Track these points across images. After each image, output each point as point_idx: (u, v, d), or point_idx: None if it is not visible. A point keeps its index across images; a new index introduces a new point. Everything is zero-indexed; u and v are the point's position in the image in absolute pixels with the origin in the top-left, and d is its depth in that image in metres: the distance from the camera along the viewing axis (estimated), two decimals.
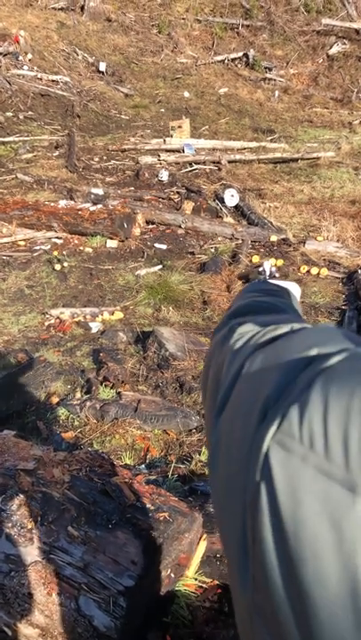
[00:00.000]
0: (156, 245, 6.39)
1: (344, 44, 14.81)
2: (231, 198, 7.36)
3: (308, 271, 5.74)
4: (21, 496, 1.76)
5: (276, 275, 1.28)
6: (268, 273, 1.28)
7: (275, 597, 0.42)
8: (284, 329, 0.57)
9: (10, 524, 1.69)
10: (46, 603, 1.60)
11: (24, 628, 1.62)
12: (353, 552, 0.37)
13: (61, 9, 14.84)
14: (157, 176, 8.39)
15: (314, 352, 0.47)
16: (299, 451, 0.41)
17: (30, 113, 11.15)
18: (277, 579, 0.42)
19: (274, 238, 6.37)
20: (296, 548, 0.40)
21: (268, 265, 1.28)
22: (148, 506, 1.87)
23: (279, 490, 0.42)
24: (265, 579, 0.43)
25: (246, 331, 0.62)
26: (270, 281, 0.97)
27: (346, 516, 0.38)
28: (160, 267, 5.87)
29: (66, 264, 5.81)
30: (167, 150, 9.69)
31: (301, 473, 0.41)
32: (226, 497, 0.52)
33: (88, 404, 3.53)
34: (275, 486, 0.42)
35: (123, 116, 11.98)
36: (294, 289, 0.96)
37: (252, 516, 0.44)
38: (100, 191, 7.36)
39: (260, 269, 1.30)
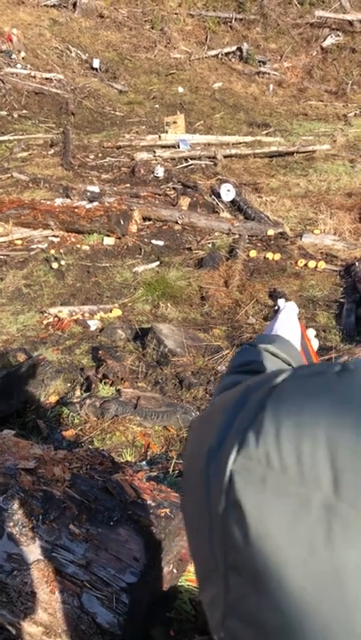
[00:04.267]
0: (153, 242, 6.37)
1: (338, 35, 14.76)
2: (227, 193, 7.34)
3: (305, 264, 5.73)
4: (22, 495, 1.76)
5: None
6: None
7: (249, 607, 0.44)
8: None
9: (11, 524, 1.69)
10: (49, 601, 1.61)
11: (28, 627, 1.62)
12: (312, 555, 0.39)
13: (53, 6, 14.78)
14: (153, 172, 8.37)
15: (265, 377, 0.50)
16: (258, 471, 0.42)
17: (25, 111, 11.12)
18: (251, 596, 0.43)
19: (271, 232, 6.36)
20: (264, 561, 0.41)
21: (282, 302, 1.18)
22: (150, 502, 1.88)
23: (247, 512, 0.42)
24: (239, 599, 0.45)
25: None
26: (263, 334, 0.93)
27: (302, 525, 0.39)
28: (157, 263, 5.87)
29: (63, 262, 5.80)
30: (162, 146, 9.66)
31: (263, 492, 0.42)
32: (193, 521, 0.53)
33: (88, 401, 3.53)
34: (242, 509, 0.43)
35: (117, 113, 11.94)
36: (292, 332, 0.95)
37: (222, 541, 0.45)
38: (95, 189, 7.34)
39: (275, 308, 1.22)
